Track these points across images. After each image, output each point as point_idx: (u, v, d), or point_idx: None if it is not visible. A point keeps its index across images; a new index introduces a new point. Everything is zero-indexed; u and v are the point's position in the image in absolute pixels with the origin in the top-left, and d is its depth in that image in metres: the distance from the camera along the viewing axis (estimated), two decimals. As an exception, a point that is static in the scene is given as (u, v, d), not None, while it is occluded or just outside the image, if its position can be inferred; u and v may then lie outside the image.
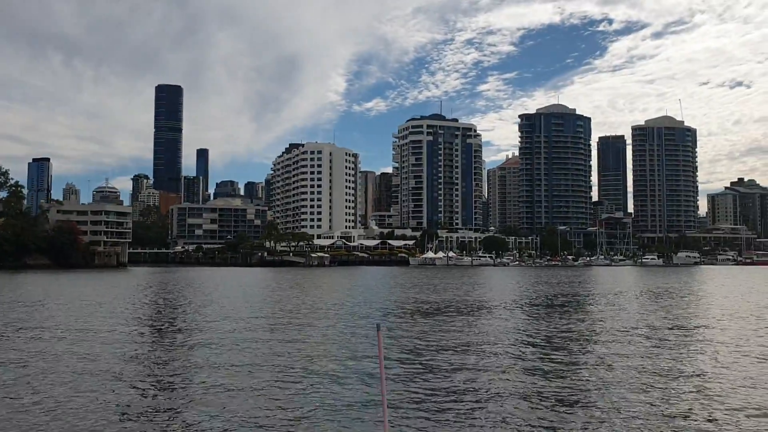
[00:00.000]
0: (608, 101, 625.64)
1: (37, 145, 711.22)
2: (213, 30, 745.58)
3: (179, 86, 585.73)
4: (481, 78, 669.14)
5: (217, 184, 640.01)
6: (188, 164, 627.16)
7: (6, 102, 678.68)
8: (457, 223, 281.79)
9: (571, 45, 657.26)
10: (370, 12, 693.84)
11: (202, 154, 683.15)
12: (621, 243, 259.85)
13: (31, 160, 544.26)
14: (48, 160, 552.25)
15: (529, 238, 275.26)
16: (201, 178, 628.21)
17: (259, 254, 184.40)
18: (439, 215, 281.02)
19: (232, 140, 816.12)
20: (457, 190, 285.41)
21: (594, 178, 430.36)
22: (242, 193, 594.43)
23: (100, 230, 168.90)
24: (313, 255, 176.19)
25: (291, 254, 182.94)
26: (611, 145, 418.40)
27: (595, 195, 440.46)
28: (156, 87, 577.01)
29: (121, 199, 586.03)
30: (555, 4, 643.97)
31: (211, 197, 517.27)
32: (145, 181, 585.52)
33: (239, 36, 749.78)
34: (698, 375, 20.52)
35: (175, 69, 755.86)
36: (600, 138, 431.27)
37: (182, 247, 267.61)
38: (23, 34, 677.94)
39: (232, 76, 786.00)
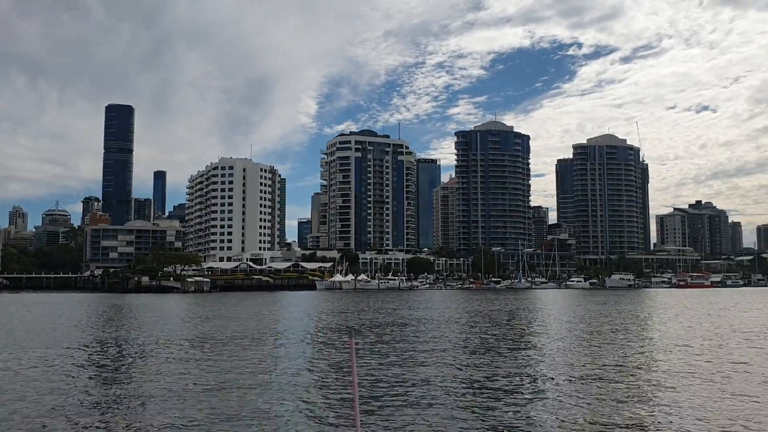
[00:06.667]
0: (577, 125, 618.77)
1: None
2: (182, 51, 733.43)
3: (130, 106, 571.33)
4: (452, 101, 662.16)
5: (174, 206, 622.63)
6: (148, 187, 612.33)
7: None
8: (387, 244, 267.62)
9: (541, 69, 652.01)
10: (341, 34, 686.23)
11: (160, 176, 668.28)
12: (555, 265, 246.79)
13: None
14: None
15: (461, 259, 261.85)
16: (154, 200, 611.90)
17: (136, 279, 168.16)
18: (369, 236, 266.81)
19: (200, 163, 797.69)
20: (387, 209, 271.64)
21: (553, 201, 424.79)
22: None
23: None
24: (189, 280, 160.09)
25: (171, 279, 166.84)
26: (569, 168, 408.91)
27: (554, 218, 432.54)
28: (106, 107, 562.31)
29: (71, 222, 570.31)
30: (525, 27, 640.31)
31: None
32: (96, 203, 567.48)
33: (208, 57, 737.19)
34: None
35: (143, 91, 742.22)
36: (558, 160, 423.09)
37: (91, 272, 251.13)
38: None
39: (200, 97, 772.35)
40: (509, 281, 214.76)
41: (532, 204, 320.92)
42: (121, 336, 44.43)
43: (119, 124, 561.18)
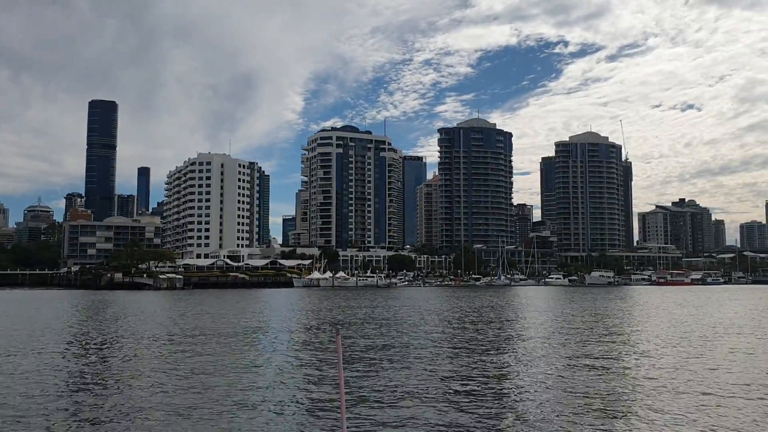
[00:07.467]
0: (563, 123, 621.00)
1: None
2: (168, 47, 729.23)
3: (113, 102, 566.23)
4: (439, 99, 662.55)
5: (158, 203, 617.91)
6: (132, 184, 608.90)
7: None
8: (369, 241, 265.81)
9: (528, 67, 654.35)
10: (328, 30, 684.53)
11: (144, 173, 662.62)
12: (535, 262, 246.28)
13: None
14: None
15: (443, 256, 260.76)
16: (137, 196, 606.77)
17: (109, 275, 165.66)
18: (350, 233, 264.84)
19: (184, 159, 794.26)
20: (369, 206, 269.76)
21: (539, 198, 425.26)
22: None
23: None
24: (161, 277, 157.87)
25: (145, 276, 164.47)
26: (552, 166, 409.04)
27: (539, 215, 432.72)
28: (89, 102, 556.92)
29: (54, 218, 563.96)
30: (512, 26, 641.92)
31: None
32: (78, 200, 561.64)
33: (194, 54, 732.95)
34: None
35: (128, 86, 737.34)
36: (543, 158, 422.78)
37: (68, 269, 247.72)
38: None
39: (186, 94, 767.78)
40: (489, 278, 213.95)
41: (519, 202, 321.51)
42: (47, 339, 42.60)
43: (102, 120, 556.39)
